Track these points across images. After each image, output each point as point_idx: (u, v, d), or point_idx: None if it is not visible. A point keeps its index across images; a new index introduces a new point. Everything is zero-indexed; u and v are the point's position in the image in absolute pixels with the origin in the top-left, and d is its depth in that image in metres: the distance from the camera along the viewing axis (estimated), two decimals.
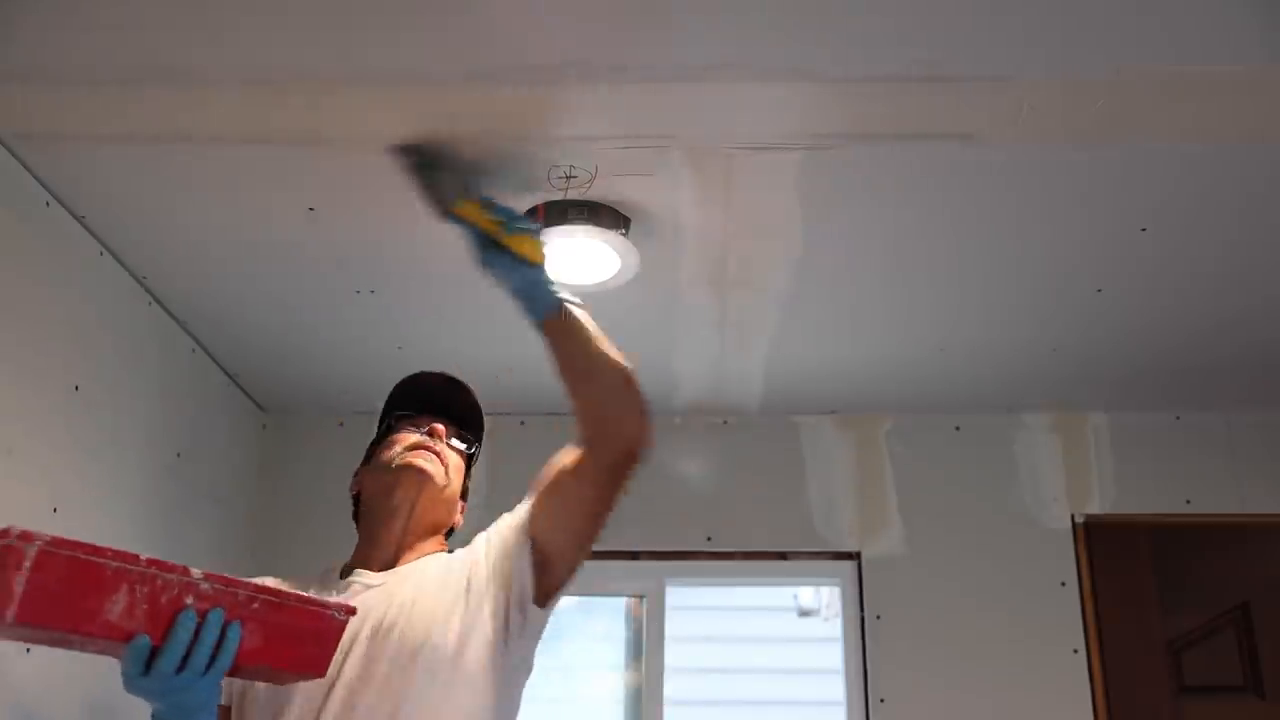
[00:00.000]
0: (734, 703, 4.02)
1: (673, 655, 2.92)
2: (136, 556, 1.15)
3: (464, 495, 1.76)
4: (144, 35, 1.64)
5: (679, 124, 1.82)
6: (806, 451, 2.99)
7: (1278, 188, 1.98)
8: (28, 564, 1.07)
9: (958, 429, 2.98)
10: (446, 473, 1.68)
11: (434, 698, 1.48)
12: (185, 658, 1.18)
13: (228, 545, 2.73)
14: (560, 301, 1.57)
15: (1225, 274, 2.27)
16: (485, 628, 1.54)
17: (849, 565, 2.92)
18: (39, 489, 1.98)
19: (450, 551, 1.72)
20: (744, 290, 2.36)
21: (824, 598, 4.27)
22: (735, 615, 4.33)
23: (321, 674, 1.35)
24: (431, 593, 1.56)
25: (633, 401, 1.54)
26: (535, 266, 1.58)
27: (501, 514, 1.69)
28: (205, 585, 1.20)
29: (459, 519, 1.75)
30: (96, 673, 2.12)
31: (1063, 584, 2.83)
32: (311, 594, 1.58)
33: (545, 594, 1.58)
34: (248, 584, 1.26)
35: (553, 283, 1.59)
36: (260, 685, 1.47)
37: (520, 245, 1.60)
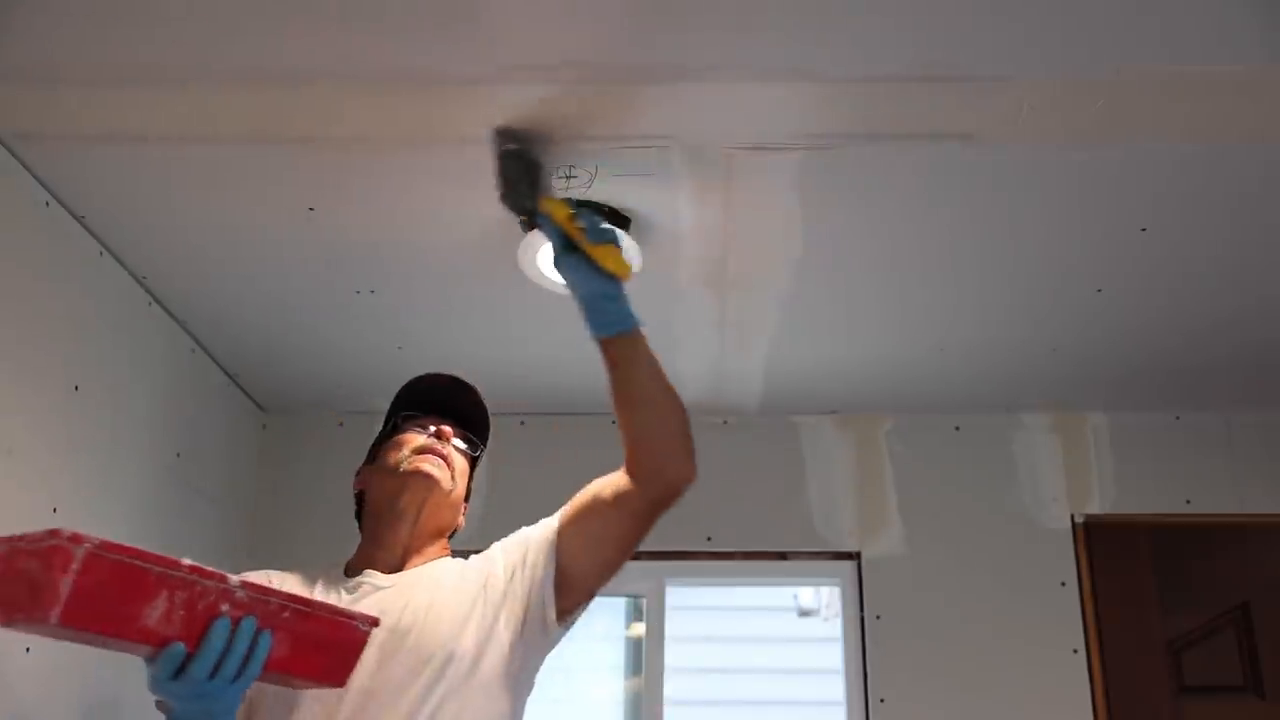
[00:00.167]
0: (734, 703, 4.03)
1: (673, 655, 2.92)
2: (178, 562, 1.15)
3: (467, 496, 1.76)
4: (144, 35, 1.64)
5: (679, 124, 1.83)
6: (806, 451, 2.99)
7: (1277, 188, 1.98)
8: (75, 566, 1.06)
9: (957, 429, 2.98)
10: (452, 476, 1.68)
11: (451, 704, 1.48)
12: (217, 665, 1.18)
13: (227, 545, 2.73)
14: (632, 321, 1.57)
15: (1224, 274, 2.27)
16: (501, 639, 1.54)
17: (849, 565, 2.93)
18: (39, 489, 1.98)
19: (452, 553, 1.72)
20: (744, 290, 2.36)
21: (824, 598, 4.28)
22: (735, 615, 4.33)
23: (342, 684, 1.35)
24: (448, 600, 1.56)
25: (685, 437, 1.54)
26: (613, 280, 1.57)
27: (502, 511, 1.69)
28: (240, 593, 1.20)
29: (462, 520, 1.76)
30: (96, 673, 2.13)
31: (1063, 584, 2.83)
32: (319, 589, 1.58)
33: (563, 612, 1.58)
34: (280, 593, 1.26)
35: (626, 300, 1.58)
36: (271, 687, 1.47)
37: (603, 256, 1.57)
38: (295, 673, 1.29)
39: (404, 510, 1.65)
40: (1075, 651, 2.77)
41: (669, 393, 1.56)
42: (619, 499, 1.54)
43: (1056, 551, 2.86)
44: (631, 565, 3.07)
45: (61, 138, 1.90)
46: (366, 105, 1.79)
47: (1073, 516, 2.90)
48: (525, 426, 2.97)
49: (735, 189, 2.00)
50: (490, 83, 1.72)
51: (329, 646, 1.31)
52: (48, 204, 2.03)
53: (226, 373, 2.79)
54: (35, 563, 1.08)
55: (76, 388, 2.10)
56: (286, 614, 1.24)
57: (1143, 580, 2.87)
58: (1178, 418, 2.93)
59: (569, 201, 1.63)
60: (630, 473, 1.54)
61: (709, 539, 2.89)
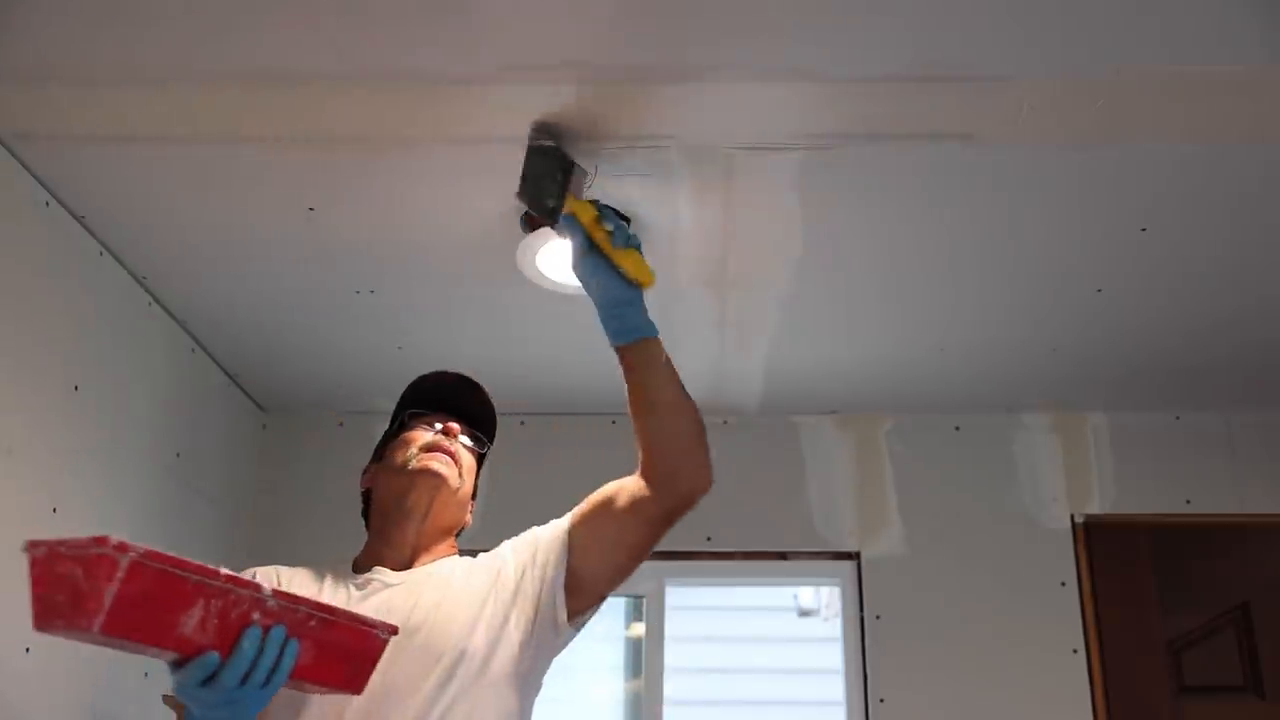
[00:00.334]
0: (734, 703, 4.02)
1: (673, 655, 2.92)
2: (216, 571, 1.15)
3: (474, 494, 1.77)
4: (144, 35, 1.64)
5: (679, 124, 1.83)
6: (806, 451, 2.99)
7: (1277, 188, 1.98)
8: (120, 575, 1.06)
9: (957, 429, 2.98)
10: (460, 474, 1.69)
11: (461, 703, 1.48)
12: (247, 673, 1.18)
13: (227, 545, 2.73)
14: (651, 329, 1.56)
15: (1224, 274, 2.27)
16: (512, 638, 1.54)
17: (849, 565, 2.93)
18: (38, 489, 1.98)
19: (459, 552, 1.72)
20: (744, 290, 2.37)
21: (824, 598, 4.27)
22: (735, 615, 4.33)
23: (359, 692, 1.35)
24: (458, 599, 1.56)
25: (701, 444, 1.54)
26: (634, 287, 1.56)
27: (502, 511, 1.69)
28: (272, 602, 1.20)
29: (469, 518, 1.76)
30: (96, 673, 2.13)
31: (1062, 584, 2.83)
32: (327, 586, 1.58)
33: (574, 613, 1.58)
34: (307, 601, 1.26)
35: (642, 304, 1.58)
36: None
37: (626, 261, 1.56)
38: (317, 680, 1.29)
39: (412, 508, 1.65)
40: (1075, 651, 2.77)
41: (685, 400, 1.56)
42: (634, 505, 1.54)
43: (1056, 551, 2.86)
44: None
45: (61, 138, 1.90)
46: (366, 105, 1.79)
47: (1073, 516, 2.90)
48: (525, 426, 2.97)
49: (735, 189, 2.00)
50: (489, 83, 1.72)
51: (350, 654, 1.31)
52: (48, 204, 2.04)
53: (226, 373, 2.79)
54: (79, 570, 1.07)
55: (76, 388, 2.10)
56: (313, 622, 1.25)
57: (1143, 580, 2.87)
58: (1178, 418, 2.93)
59: (595, 204, 1.61)
60: (645, 478, 1.54)
61: (709, 539, 2.89)
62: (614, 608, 3.11)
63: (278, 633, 1.20)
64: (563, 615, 1.56)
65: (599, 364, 2.72)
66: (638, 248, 1.59)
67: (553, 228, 1.68)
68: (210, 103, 1.79)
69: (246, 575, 1.28)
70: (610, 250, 1.57)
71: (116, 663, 2.22)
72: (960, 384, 2.82)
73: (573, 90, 1.74)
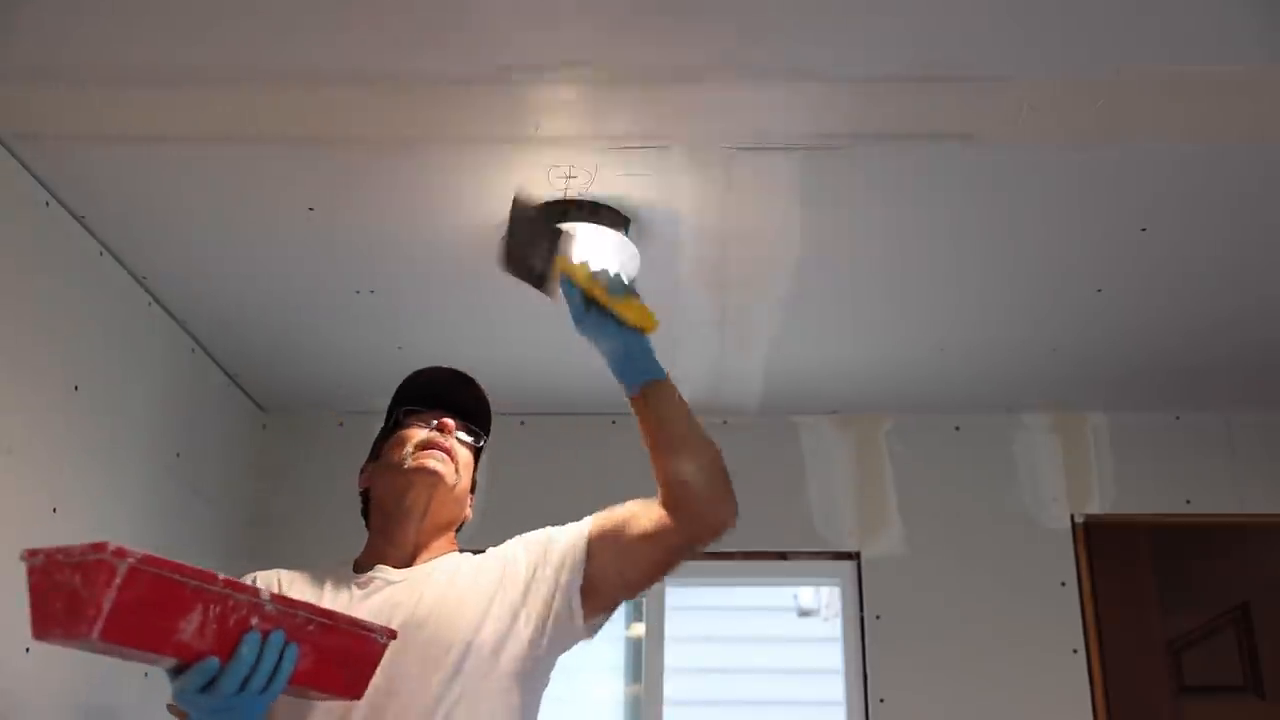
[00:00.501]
0: (734, 703, 4.02)
1: (672, 655, 2.92)
2: (214, 576, 1.14)
3: (472, 489, 1.76)
4: (144, 35, 1.64)
5: (679, 124, 1.83)
6: (806, 451, 2.99)
7: (1277, 188, 1.98)
8: (118, 581, 1.05)
9: (957, 429, 2.98)
10: (457, 470, 1.68)
11: (468, 697, 1.48)
12: (246, 678, 1.18)
13: (227, 545, 2.73)
14: (661, 370, 1.54)
15: (1224, 274, 2.27)
16: (521, 635, 1.54)
17: (849, 565, 2.93)
18: (39, 489, 1.98)
19: (460, 548, 1.72)
20: (744, 290, 2.36)
21: (824, 598, 4.26)
22: (735, 615, 4.32)
23: (359, 697, 1.35)
24: (464, 594, 1.56)
25: (723, 480, 1.52)
26: (637, 333, 1.54)
27: (502, 511, 1.69)
28: (270, 607, 1.20)
29: (469, 512, 1.76)
30: (95, 674, 2.13)
31: (1062, 584, 2.83)
32: (329, 588, 1.58)
33: (588, 618, 1.58)
34: (306, 605, 1.26)
35: (650, 347, 1.55)
36: None
37: (628, 310, 1.53)
38: (316, 685, 1.29)
39: (411, 507, 1.65)
40: (1075, 651, 2.77)
41: (703, 437, 1.53)
42: (657, 533, 1.53)
43: (1056, 551, 2.86)
44: None
45: (61, 138, 1.90)
46: (366, 105, 1.79)
47: (1073, 516, 2.90)
48: (525, 426, 2.97)
49: (735, 189, 2.00)
50: (489, 83, 1.73)
51: (348, 659, 1.31)
52: (48, 204, 2.04)
53: (226, 373, 2.79)
54: (77, 577, 1.07)
55: (76, 388, 2.10)
56: (311, 627, 1.24)
57: (1143, 580, 2.87)
58: (1178, 418, 2.93)
59: (583, 263, 1.57)
60: (669, 511, 1.52)
61: None
62: None
63: (276, 638, 1.20)
64: (579, 620, 1.56)
65: (599, 364, 2.71)
66: (634, 294, 1.56)
67: (545, 293, 1.65)
68: (210, 103, 1.79)
69: (247, 580, 1.27)
70: (609, 301, 1.53)
71: (116, 663, 2.21)
72: (960, 384, 2.82)
73: (573, 90, 1.74)
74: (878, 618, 2.83)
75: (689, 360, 2.66)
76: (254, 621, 1.18)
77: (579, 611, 1.56)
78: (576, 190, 1.98)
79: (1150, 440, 2.92)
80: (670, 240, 2.15)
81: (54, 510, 2.01)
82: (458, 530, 1.74)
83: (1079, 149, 1.88)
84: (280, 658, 1.20)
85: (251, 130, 1.86)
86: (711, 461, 1.52)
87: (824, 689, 3.13)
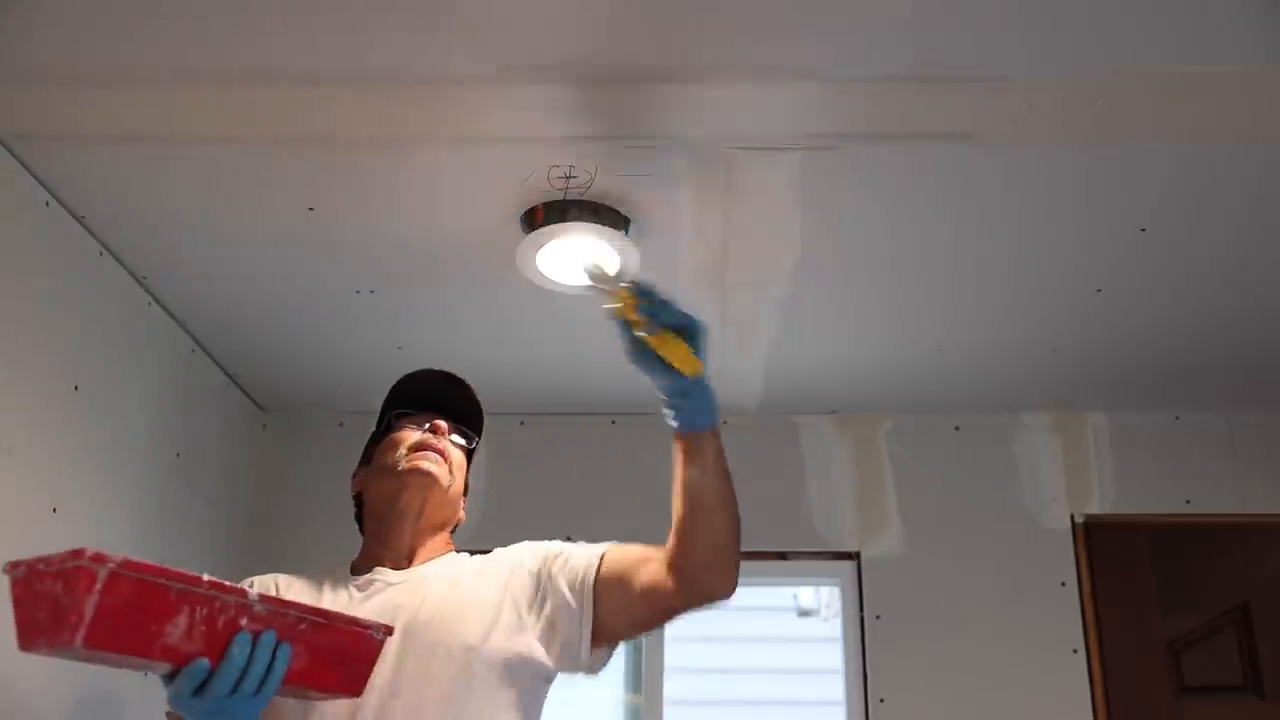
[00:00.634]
0: (734, 703, 4.02)
1: (673, 655, 2.92)
2: (198, 578, 1.14)
3: (465, 491, 1.76)
4: (144, 35, 1.64)
5: (679, 124, 1.82)
6: (806, 451, 2.98)
7: (1277, 188, 1.98)
8: (99, 586, 1.05)
9: (957, 429, 2.98)
10: (450, 471, 1.68)
11: (473, 699, 1.48)
12: (239, 680, 1.18)
13: (227, 545, 2.73)
14: (703, 421, 1.47)
15: (1225, 274, 2.27)
16: (525, 642, 1.54)
17: (849, 565, 2.92)
18: (38, 489, 1.98)
19: (456, 549, 1.71)
20: (744, 290, 2.36)
21: (824, 598, 4.27)
22: (735, 615, 4.32)
23: (358, 694, 1.35)
24: (468, 598, 1.55)
25: (732, 552, 1.49)
26: (680, 377, 1.44)
27: (502, 511, 1.68)
28: (259, 607, 1.19)
29: (463, 514, 1.76)
30: (96, 673, 2.13)
31: (1062, 584, 2.83)
32: (327, 590, 1.58)
33: (595, 649, 1.57)
34: (297, 605, 1.26)
35: (706, 395, 1.46)
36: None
37: (668, 352, 1.43)
38: (313, 684, 1.28)
39: (405, 509, 1.64)
40: (1075, 651, 2.77)
41: (728, 504, 1.49)
42: (654, 591, 1.51)
43: (1056, 551, 2.86)
44: None
45: (61, 138, 1.90)
46: (366, 105, 1.79)
47: (1073, 516, 2.90)
48: (525, 426, 2.97)
49: (735, 189, 2.00)
50: (490, 83, 1.72)
51: (345, 657, 1.30)
52: (48, 204, 2.03)
53: (226, 373, 2.79)
54: (59, 585, 1.07)
55: (76, 388, 2.10)
56: (303, 626, 1.24)
57: (1143, 580, 2.87)
58: (1178, 418, 2.93)
59: (638, 287, 1.46)
60: (670, 567, 1.49)
61: None
62: None
63: (268, 638, 1.19)
64: (588, 650, 1.55)
65: (599, 364, 2.73)
66: (688, 328, 1.45)
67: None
68: (210, 103, 1.79)
69: (244, 586, 1.27)
70: (650, 340, 1.44)
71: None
72: (960, 384, 2.81)
73: (573, 90, 1.74)
74: (878, 618, 2.83)
75: None
76: (243, 622, 1.18)
77: (587, 644, 1.54)
78: (576, 190, 1.98)
79: (1150, 440, 2.92)
80: (670, 240, 2.15)
81: (54, 510, 2.01)
82: (453, 532, 1.74)
83: (1080, 149, 1.88)
84: (272, 658, 1.20)
85: (252, 130, 1.86)
86: (728, 532, 1.48)
87: (824, 689, 3.13)
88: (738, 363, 2.71)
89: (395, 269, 2.30)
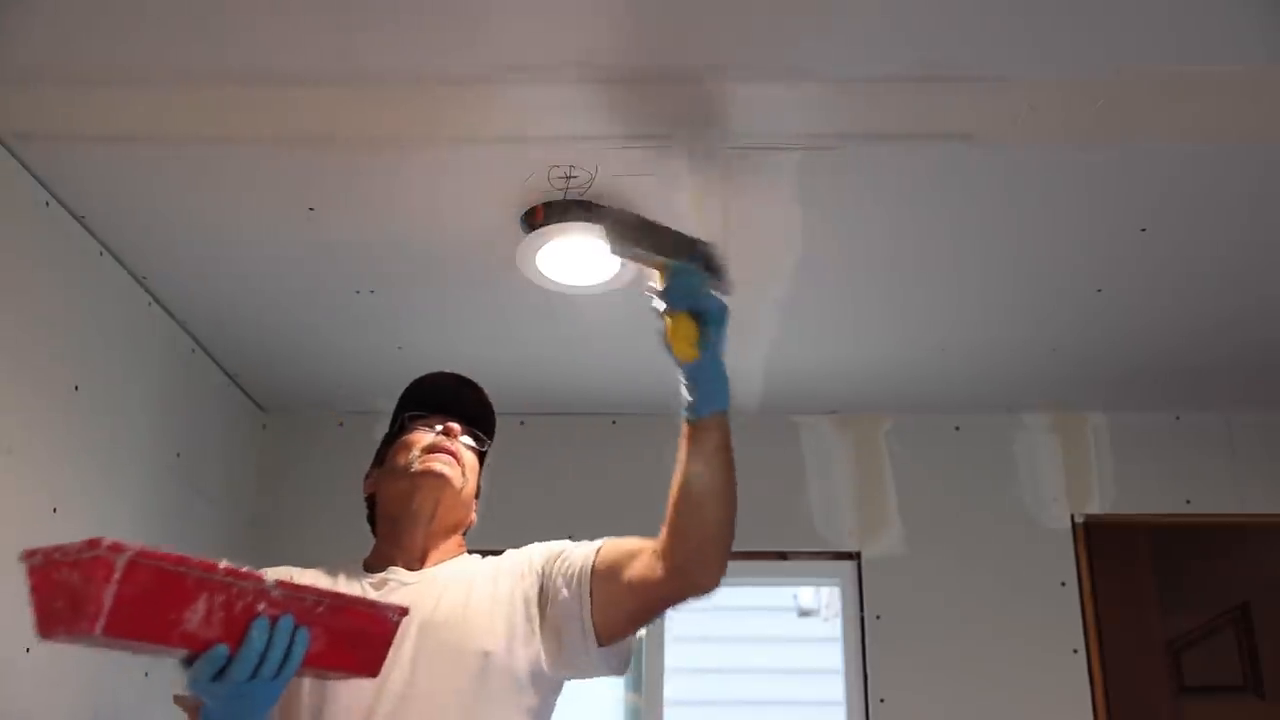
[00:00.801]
0: (734, 703, 4.02)
1: (673, 655, 2.92)
2: (215, 565, 1.15)
3: (477, 494, 1.76)
4: (144, 35, 1.64)
5: (679, 124, 1.82)
6: (806, 451, 2.98)
7: (1277, 188, 1.98)
8: (117, 575, 1.05)
9: (957, 429, 2.98)
10: (463, 473, 1.68)
11: (486, 703, 1.48)
12: (258, 665, 1.18)
13: (228, 545, 2.73)
14: (703, 409, 1.46)
15: (1225, 274, 2.27)
16: (536, 645, 1.54)
17: (849, 565, 2.92)
18: (39, 489, 1.98)
19: (468, 550, 1.71)
20: (744, 290, 2.36)
21: (824, 598, 4.27)
22: (735, 615, 4.32)
23: (375, 674, 1.35)
24: (482, 601, 1.55)
25: (722, 546, 1.49)
26: (684, 363, 1.43)
27: (502, 511, 1.68)
28: (276, 592, 1.20)
29: (474, 517, 1.76)
30: (96, 673, 2.13)
31: (1062, 584, 2.83)
32: (341, 585, 1.58)
33: (602, 644, 1.57)
34: (313, 589, 1.27)
35: (713, 381, 1.46)
36: (305, 682, 1.47)
37: (672, 330, 1.42)
38: (331, 666, 1.29)
39: (418, 510, 1.65)
40: (1075, 651, 2.77)
41: (722, 496, 1.48)
42: (643, 583, 1.50)
43: (1056, 551, 2.86)
44: None
45: (61, 138, 1.90)
46: (366, 105, 1.79)
47: (1073, 516, 2.90)
48: (525, 426, 2.97)
49: (735, 189, 2.00)
50: (490, 83, 1.73)
51: (362, 639, 1.31)
52: (48, 204, 2.03)
53: (226, 373, 2.79)
54: (76, 575, 1.07)
55: (76, 388, 2.10)
56: (320, 609, 1.25)
57: (1143, 580, 2.87)
58: (1178, 418, 2.93)
59: (671, 262, 1.43)
60: (660, 557, 1.49)
61: None
62: None
63: (286, 622, 1.20)
64: (593, 645, 1.55)
65: (599, 364, 2.73)
66: (701, 312, 1.45)
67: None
68: (210, 103, 1.79)
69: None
70: (664, 315, 1.43)
71: (116, 662, 2.21)
72: (960, 384, 2.81)
73: (573, 90, 1.74)
74: (878, 618, 2.83)
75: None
76: (261, 607, 1.18)
77: (591, 636, 1.54)
78: (576, 190, 1.98)
79: (1150, 440, 2.92)
80: None
81: (54, 510, 2.01)
82: (464, 534, 1.74)
83: (1080, 149, 1.88)
84: (291, 641, 1.20)
85: (251, 130, 1.86)
86: (719, 523, 1.47)
87: (824, 689, 3.13)
88: (738, 363, 2.70)
89: (395, 269, 2.30)
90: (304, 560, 1.68)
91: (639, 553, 1.53)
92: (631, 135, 1.85)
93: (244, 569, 1.18)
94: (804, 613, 4.44)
